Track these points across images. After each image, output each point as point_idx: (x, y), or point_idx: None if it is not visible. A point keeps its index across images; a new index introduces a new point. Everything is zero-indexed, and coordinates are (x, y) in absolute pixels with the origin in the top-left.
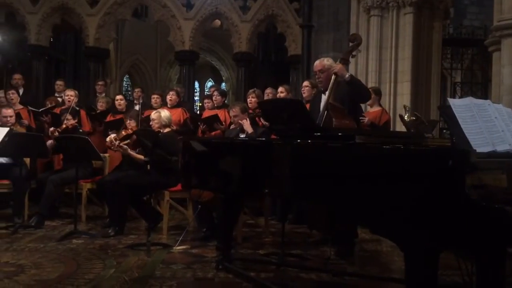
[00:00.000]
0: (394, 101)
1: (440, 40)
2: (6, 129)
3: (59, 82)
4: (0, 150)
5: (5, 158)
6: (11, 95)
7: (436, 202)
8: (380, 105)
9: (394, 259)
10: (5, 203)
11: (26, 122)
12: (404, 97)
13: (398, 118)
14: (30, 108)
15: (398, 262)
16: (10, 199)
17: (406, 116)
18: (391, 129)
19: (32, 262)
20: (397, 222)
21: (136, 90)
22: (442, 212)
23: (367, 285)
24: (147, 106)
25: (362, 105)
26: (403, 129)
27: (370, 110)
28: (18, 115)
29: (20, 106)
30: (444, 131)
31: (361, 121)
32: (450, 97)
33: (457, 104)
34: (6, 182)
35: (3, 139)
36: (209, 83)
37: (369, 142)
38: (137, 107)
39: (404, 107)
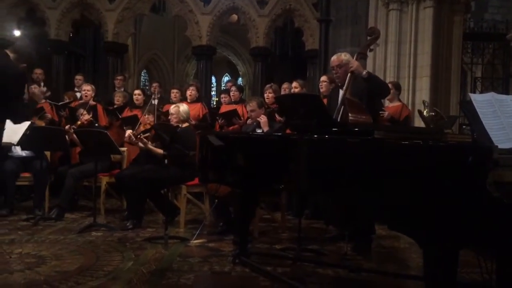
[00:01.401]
0: (413, 97)
1: (460, 34)
2: (27, 123)
3: (78, 77)
4: (22, 144)
5: (26, 152)
6: (33, 89)
7: (456, 199)
8: (400, 100)
9: (411, 256)
10: (26, 196)
11: (49, 115)
12: (423, 92)
13: (417, 114)
14: (49, 102)
15: (416, 259)
16: (31, 192)
17: (425, 112)
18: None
19: (52, 254)
20: (416, 219)
21: (154, 85)
22: (463, 209)
23: (384, 282)
24: (165, 100)
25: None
26: (422, 124)
27: (390, 105)
28: (41, 109)
29: (43, 100)
30: (464, 127)
31: (381, 115)
32: (470, 92)
33: (478, 99)
34: (27, 175)
35: (24, 133)
36: (226, 78)
37: (388, 137)
38: (154, 102)
39: (423, 102)
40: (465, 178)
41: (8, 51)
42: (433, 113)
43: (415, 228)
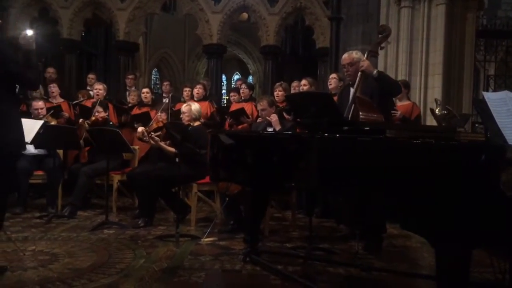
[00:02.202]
0: (425, 95)
1: (473, 31)
2: (41, 122)
3: (91, 76)
4: (35, 142)
5: (40, 150)
6: (52, 88)
7: (469, 198)
8: (409, 99)
9: (423, 255)
10: (40, 194)
11: (66, 114)
12: (435, 90)
13: (429, 112)
14: (68, 101)
15: (428, 259)
16: (44, 190)
17: (437, 110)
18: (422, 123)
19: (65, 251)
20: (428, 218)
21: (165, 83)
22: (475, 209)
23: (396, 281)
24: (176, 99)
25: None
26: (434, 123)
27: (399, 104)
28: (59, 108)
29: (61, 99)
30: (477, 125)
31: (393, 115)
32: (483, 90)
33: (491, 97)
34: (40, 173)
35: (38, 131)
36: (236, 76)
37: (400, 136)
38: (166, 100)
39: (435, 100)
40: (477, 177)
41: None
42: (445, 112)
43: (427, 228)
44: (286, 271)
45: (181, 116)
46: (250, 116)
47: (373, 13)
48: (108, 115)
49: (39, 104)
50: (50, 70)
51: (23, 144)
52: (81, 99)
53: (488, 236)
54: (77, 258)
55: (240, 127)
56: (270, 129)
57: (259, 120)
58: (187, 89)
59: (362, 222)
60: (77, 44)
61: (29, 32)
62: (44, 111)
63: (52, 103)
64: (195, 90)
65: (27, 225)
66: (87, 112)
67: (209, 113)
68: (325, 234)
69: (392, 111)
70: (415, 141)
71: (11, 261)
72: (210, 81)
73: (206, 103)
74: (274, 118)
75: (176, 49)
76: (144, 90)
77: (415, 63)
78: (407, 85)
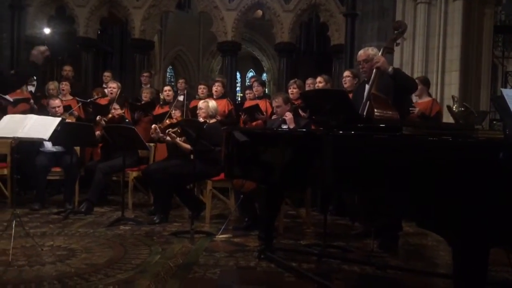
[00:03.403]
0: (442, 91)
1: (491, 27)
2: (58, 119)
3: (106, 74)
4: (53, 139)
5: (57, 147)
6: (63, 86)
7: (486, 196)
8: (430, 95)
9: (439, 254)
10: (57, 190)
11: (76, 112)
12: (452, 87)
13: (446, 109)
14: (77, 99)
15: (444, 257)
16: (62, 186)
17: (454, 107)
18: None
19: (82, 247)
20: (445, 216)
21: (180, 81)
22: (493, 207)
23: (411, 280)
24: (191, 96)
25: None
26: (451, 120)
27: (419, 101)
28: (68, 107)
29: (70, 97)
30: (495, 122)
31: (411, 112)
32: (502, 87)
33: (510, 94)
34: (58, 169)
35: (55, 128)
36: (250, 74)
37: (416, 133)
38: (181, 98)
39: (453, 97)
40: (495, 175)
41: None
42: (462, 109)
43: (444, 226)
44: (301, 268)
45: (197, 112)
46: (264, 113)
47: (388, 8)
48: (124, 113)
49: (56, 102)
50: (67, 68)
51: None
52: (95, 97)
53: (506, 234)
54: (93, 253)
55: (254, 123)
56: (284, 126)
57: (273, 117)
58: (202, 86)
59: (377, 220)
60: (93, 42)
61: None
62: (61, 109)
63: (62, 100)
64: (214, 88)
65: (45, 221)
66: (101, 110)
67: (226, 111)
68: (339, 232)
69: (410, 108)
70: (431, 138)
71: (29, 256)
72: (225, 79)
73: (225, 101)
74: (289, 116)
75: (190, 47)
76: (166, 88)
77: (432, 60)
78: (426, 81)
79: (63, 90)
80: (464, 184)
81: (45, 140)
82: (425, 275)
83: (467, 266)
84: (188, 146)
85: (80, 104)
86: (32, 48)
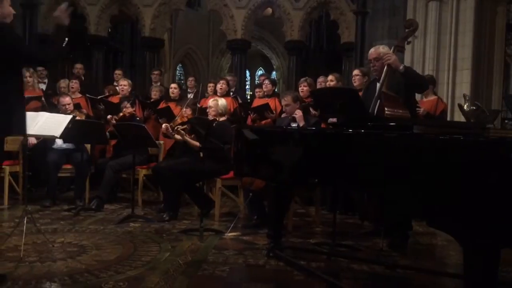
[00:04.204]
0: (453, 90)
1: (504, 25)
2: (69, 116)
3: (117, 71)
4: (64, 136)
5: (68, 144)
6: (73, 84)
7: (498, 196)
8: (435, 94)
9: (450, 254)
10: (68, 187)
11: (84, 111)
12: (464, 86)
13: (457, 108)
14: (88, 96)
15: (454, 257)
16: (72, 183)
17: (465, 106)
18: (450, 119)
19: (93, 243)
20: (456, 216)
21: (190, 79)
22: (505, 207)
23: (421, 279)
24: (200, 94)
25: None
26: (462, 119)
27: (425, 100)
28: (77, 104)
29: (79, 95)
30: (507, 121)
31: (417, 112)
32: None
33: None
34: (69, 166)
35: (66, 126)
36: (260, 72)
37: (427, 132)
38: (190, 96)
39: (464, 96)
40: (507, 174)
41: None
42: (474, 107)
43: (455, 225)
44: (310, 267)
45: (207, 110)
46: (274, 112)
47: (399, 6)
48: (135, 111)
49: (66, 100)
50: (78, 66)
51: (23, 127)
52: (107, 94)
53: None
54: (104, 250)
55: (263, 122)
56: (294, 125)
57: (283, 115)
58: (211, 84)
59: (386, 219)
60: (104, 40)
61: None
62: (71, 107)
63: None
64: (218, 86)
65: (56, 217)
66: (112, 107)
67: (232, 109)
68: (349, 231)
69: (416, 108)
70: (442, 137)
71: (41, 252)
72: (235, 77)
73: (229, 99)
74: (298, 113)
75: (200, 44)
76: (172, 85)
77: (443, 58)
78: (432, 80)
79: (72, 88)
80: (475, 183)
81: (57, 138)
82: (434, 274)
83: (478, 266)
84: (197, 144)
85: (88, 102)
86: (45, 42)
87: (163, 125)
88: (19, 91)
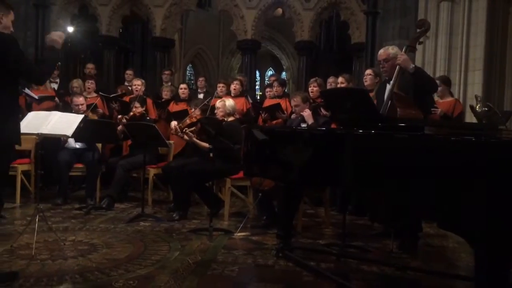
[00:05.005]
0: (465, 91)
1: None
2: (81, 116)
3: (128, 72)
4: (75, 136)
5: (79, 143)
6: (88, 84)
7: (510, 197)
8: (452, 95)
9: (460, 256)
10: (79, 186)
11: (100, 110)
12: (475, 87)
13: (468, 109)
14: (101, 94)
15: (465, 259)
16: (84, 182)
17: (477, 107)
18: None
19: (103, 242)
20: (468, 217)
21: (200, 79)
22: None
23: (431, 281)
24: (210, 94)
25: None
26: (474, 120)
27: (441, 101)
28: (93, 104)
29: (94, 95)
30: None
31: (433, 112)
32: None
33: None
34: (80, 165)
35: (78, 125)
36: (270, 72)
37: (439, 133)
38: (200, 96)
39: (476, 97)
40: None
41: None
42: (486, 108)
43: (466, 227)
44: (319, 267)
45: (215, 111)
46: (285, 112)
47: (411, 7)
48: (145, 110)
49: (80, 100)
50: (90, 66)
51: (17, 137)
52: (119, 92)
53: None
54: (114, 249)
55: (274, 122)
56: (304, 125)
57: (293, 116)
58: (221, 84)
59: (397, 220)
60: (115, 40)
61: (67, 30)
62: (84, 107)
63: (87, 98)
64: (232, 86)
65: (67, 216)
66: (126, 106)
67: (245, 109)
68: (358, 232)
69: (432, 109)
70: (454, 138)
71: (52, 250)
72: (246, 77)
73: (243, 99)
74: (307, 112)
75: (210, 45)
76: (182, 86)
77: (455, 59)
78: (447, 81)
79: (88, 88)
80: (487, 184)
81: (68, 137)
82: (445, 277)
83: (489, 268)
84: (206, 145)
85: (104, 101)
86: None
87: (172, 124)
88: (16, 101)
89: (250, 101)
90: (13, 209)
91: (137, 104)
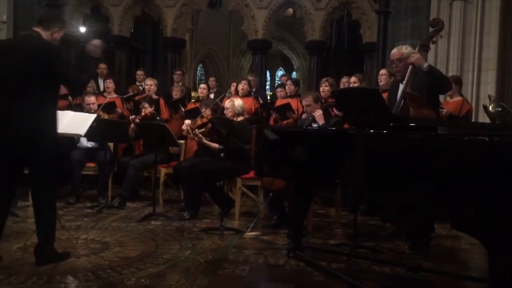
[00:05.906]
0: (478, 91)
1: None
2: (94, 115)
3: (139, 72)
4: (88, 135)
5: (92, 143)
6: (108, 83)
7: None
8: (461, 95)
9: (473, 257)
10: (91, 185)
11: (119, 110)
12: (489, 86)
13: (481, 109)
14: (121, 97)
15: (478, 261)
16: (96, 181)
17: (490, 107)
18: (474, 121)
19: (115, 240)
20: (481, 218)
21: (211, 79)
22: None
23: (444, 282)
24: (220, 94)
25: (441, 95)
26: (487, 120)
27: (450, 101)
28: (113, 104)
29: (115, 95)
30: None
31: (440, 112)
32: None
33: None
34: (92, 165)
35: (91, 125)
36: (280, 72)
37: (452, 133)
38: (211, 96)
39: (489, 97)
40: None
41: (38, 30)
42: (499, 108)
43: (480, 228)
44: (330, 268)
45: (224, 111)
46: (296, 112)
47: (423, 6)
48: (156, 110)
49: (91, 99)
50: (102, 66)
51: (55, 141)
52: (131, 93)
53: None
54: (126, 247)
55: (285, 122)
56: (315, 125)
57: (304, 116)
58: (234, 84)
59: (409, 221)
60: (126, 40)
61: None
62: (95, 106)
63: (106, 97)
64: (240, 86)
65: (79, 214)
66: (139, 107)
67: (253, 109)
68: (370, 232)
69: (438, 109)
70: (467, 138)
71: (65, 248)
72: (256, 77)
73: (251, 99)
74: (318, 112)
75: (221, 45)
76: (202, 85)
77: (468, 58)
78: (458, 80)
79: (108, 88)
80: (501, 185)
81: (81, 136)
82: (458, 278)
83: (503, 270)
84: (216, 145)
85: (123, 101)
86: (68, 46)
87: (185, 123)
88: (55, 107)
89: (261, 101)
90: (27, 208)
91: (146, 105)
